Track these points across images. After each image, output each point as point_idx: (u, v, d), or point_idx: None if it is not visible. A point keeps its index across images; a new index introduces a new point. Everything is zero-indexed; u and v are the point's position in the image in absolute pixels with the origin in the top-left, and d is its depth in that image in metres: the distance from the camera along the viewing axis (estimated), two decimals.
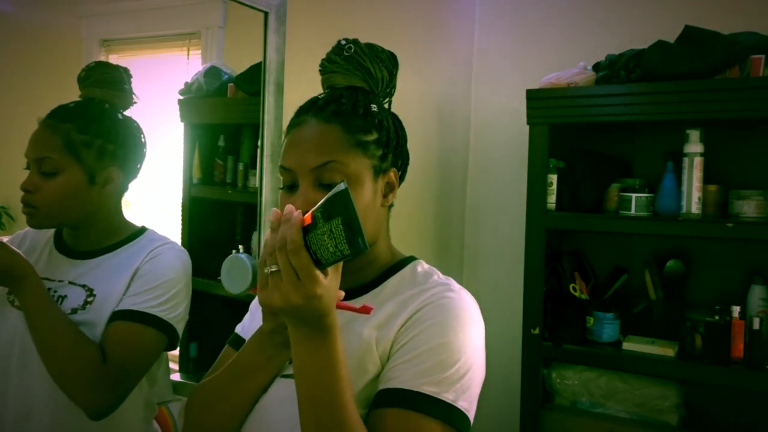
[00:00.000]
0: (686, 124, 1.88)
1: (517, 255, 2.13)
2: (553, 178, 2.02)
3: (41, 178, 1.17)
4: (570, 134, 2.18)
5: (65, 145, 1.17)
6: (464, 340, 0.86)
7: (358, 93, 0.92)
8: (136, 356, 1.14)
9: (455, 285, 0.92)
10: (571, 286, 2.10)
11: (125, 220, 1.29)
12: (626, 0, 2.25)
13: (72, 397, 1.09)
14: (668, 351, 1.87)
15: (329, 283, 0.72)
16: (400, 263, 0.96)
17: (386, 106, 0.99)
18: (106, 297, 1.16)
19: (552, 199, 2.02)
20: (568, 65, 2.05)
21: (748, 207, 1.83)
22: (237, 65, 1.66)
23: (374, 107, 0.91)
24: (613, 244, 2.22)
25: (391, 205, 0.97)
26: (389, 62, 0.97)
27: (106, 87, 1.26)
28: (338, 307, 0.77)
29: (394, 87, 0.99)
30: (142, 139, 1.30)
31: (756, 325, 1.79)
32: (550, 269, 2.11)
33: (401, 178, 0.99)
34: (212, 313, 1.54)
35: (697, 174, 1.84)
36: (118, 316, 1.15)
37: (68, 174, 1.17)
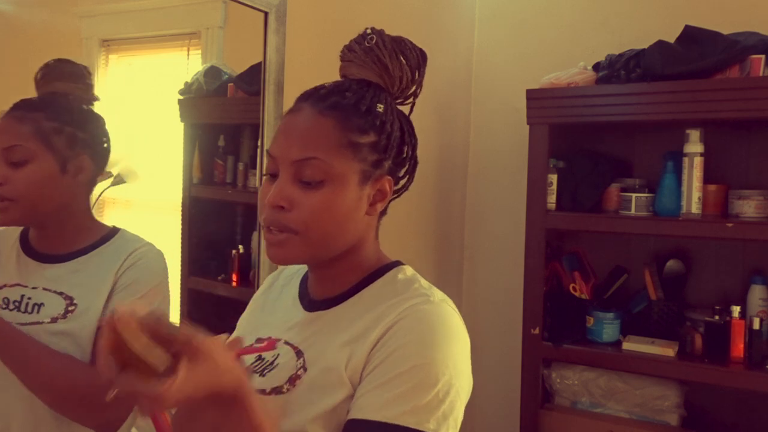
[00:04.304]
0: (686, 124, 1.88)
1: (517, 255, 2.13)
2: (553, 178, 2.02)
3: (10, 168, 1.09)
4: (570, 134, 2.18)
5: (35, 132, 1.11)
6: (443, 358, 0.76)
7: (368, 89, 0.85)
8: None
9: (436, 295, 0.83)
10: (571, 286, 2.10)
11: (96, 220, 1.24)
12: (626, 0, 2.25)
13: (85, 424, 1.06)
14: (668, 351, 1.87)
15: (179, 377, 0.58)
16: (382, 269, 0.88)
17: (409, 107, 0.91)
18: (89, 306, 1.11)
19: (552, 199, 2.02)
20: (568, 65, 2.05)
21: (748, 207, 1.83)
22: (237, 65, 1.66)
23: (380, 107, 0.83)
24: (613, 244, 2.22)
25: (384, 212, 0.90)
26: (416, 61, 0.89)
27: (69, 80, 1.23)
28: (241, 353, 0.75)
29: (419, 87, 0.91)
30: (108, 133, 1.25)
31: (756, 325, 1.79)
32: (550, 269, 2.11)
33: (402, 188, 0.92)
34: (212, 313, 1.54)
35: (697, 174, 1.84)
36: None
37: (40, 161, 1.10)
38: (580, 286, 2.09)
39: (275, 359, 0.84)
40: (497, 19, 2.48)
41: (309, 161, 0.79)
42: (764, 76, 1.78)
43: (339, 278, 0.86)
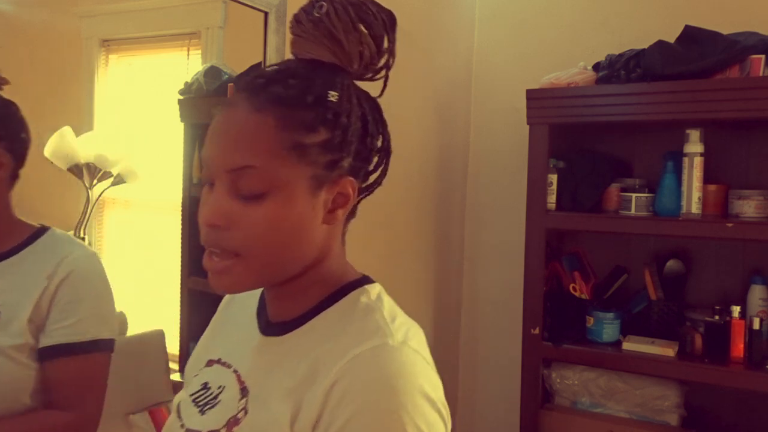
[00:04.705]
0: (686, 124, 1.88)
1: (517, 255, 2.13)
2: (553, 178, 2.02)
3: None
4: (570, 134, 2.18)
5: None
6: (410, 419, 0.62)
7: (318, 72, 0.69)
8: (97, 391, 1.09)
9: (398, 332, 0.68)
10: (571, 286, 2.10)
11: (19, 219, 1.15)
12: (626, 0, 2.25)
13: None
14: (668, 351, 1.87)
15: None
16: (345, 288, 0.74)
17: (380, 88, 0.75)
18: (15, 315, 1.04)
19: (552, 199, 2.02)
20: (568, 65, 2.05)
21: (748, 207, 1.83)
22: (237, 65, 1.66)
23: (333, 95, 0.68)
24: (613, 244, 2.22)
25: (352, 214, 0.77)
26: (381, 27, 0.74)
27: None
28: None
29: (390, 57, 0.75)
30: (25, 121, 1.15)
31: (756, 325, 1.79)
32: (550, 269, 2.11)
33: (374, 184, 0.78)
34: (212, 313, 1.54)
35: (697, 174, 1.84)
36: (61, 351, 1.05)
37: None
38: (580, 286, 2.09)
39: (220, 392, 0.74)
40: (497, 19, 2.48)
41: (245, 171, 0.66)
42: (764, 76, 1.78)
43: (297, 297, 0.74)
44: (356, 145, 0.70)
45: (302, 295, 0.74)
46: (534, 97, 2.00)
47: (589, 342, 1.99)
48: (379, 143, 0.75)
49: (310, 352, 0.69)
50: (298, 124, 0.66)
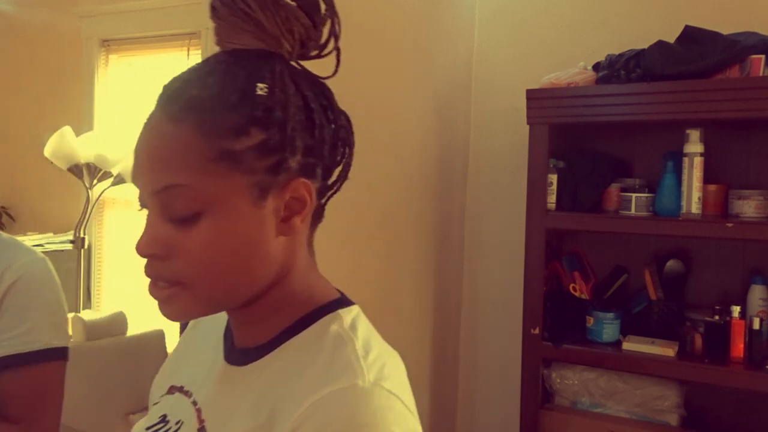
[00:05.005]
0: (686, 124, 1.88)
1: (517, 255, 2.13)
2: (553, 178, 2.02)
3: None
4: (570, 134, 2.19)
5: None
6: None
7: (243, 64, 0.60)
8: (52, 402, 1.06)
9: (370, 370, 0.58)
10: (571, 286, 2.10)
11: None
12: (626, 0, 2.25)
13: None
14: (668, 351, 1.87)
15: None
16: (316, 313, 0.64)
17: (334, 67, 0.65)
18: None
19: (552, 199, 2.02)
20: (568, 65, 2.05)
21: (748, 207, 1.83)
22: None
23: (262, 88, 0.58)
24: (613, 244, 2.22)
25: (318, 218, 0.67)
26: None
27: None
28: None
29: (334, 27, 0.64)
30: None
31: (756, 325, 1.79)
32: (550, 269, 2.11)
33: (339, 180, 0.67)
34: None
35: (697, 174, 1.84)
36: (11, 362, 1.02)
37: None
38: (580, 286, 2.09)
39: (178, 428, 0.67)
40: (497, 19, 2.48)
41: (170, 191, 0.57)
42: (764, 76, 1.78)
43: (261, 322, 0.65)
44: (302, 140, 0.60)
45: (267, 319, 0.65)
46: (534, 97, 2.01)
47: (589, 342, 1.99)
48: (334, 132, 0.64)
49: (270, 391, 0.60)
50: (224, 129, 0.57)
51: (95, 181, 2.57)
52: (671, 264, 2.04)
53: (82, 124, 2.69)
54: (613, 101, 1.91)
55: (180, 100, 0.58)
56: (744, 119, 1.86)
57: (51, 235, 2.73)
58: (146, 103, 0.65)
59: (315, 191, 0.63)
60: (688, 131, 1.86)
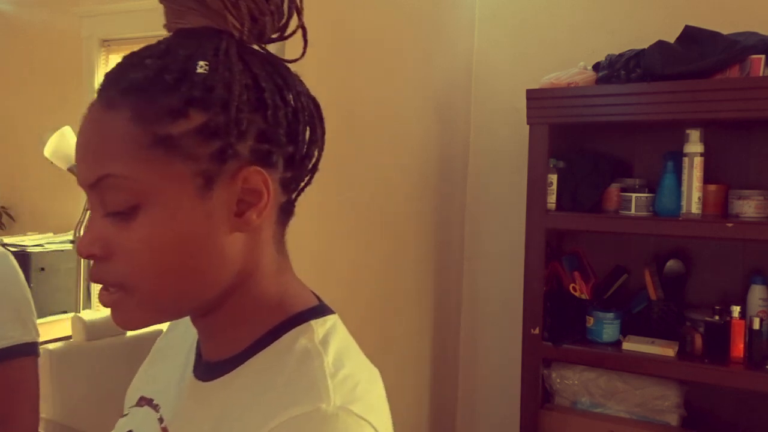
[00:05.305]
0: (686, 124, 1.88)
1: (517, 255, 2.13)
2: (553, 178, 2.02)
3: None
4: (570, 134, 2.19)
5: None
6: None
7: (186, 43, 0.54)
8: (28, 398, 1.04)
9: (341, 388, 0.53)
10: (571, 286, 2.10)
11: None
12: (626, 0, 2.25)
13: None
14: (668, 351, 1.87)
15: None
16: (284, 325, 0.58)
17: (300, 50, 0.60)
18: None
19: (552, 199, 2.02)
20: (568, 65, 2.05)
21: (748, 207, 1.83)
22: None
23: (202, 66, 0.52)
24: (613, 244, 2.22)
25: (288, 213, 0.61)
26: None
27: None
28: None
29: (293, 6, 0.59)
30: None
31: (756, 325, 1.79)
32: (550, 269, 2.11)
33: (311, 170, 0.61)
34: None
35: (697, 174, 1.84)
36: None
37: None
38: (580, 286, 2.09)
39: None
40: (497, 19, 2.49)
41: (104, 182, 0.52)
42: (764, 76, 1.78)
43: (226, 332, 0.59)
44: (252, 123, 0.54)
45: (233, 329, 0.59)
46: (534, 97, 2.01)
47: (589, 342, 1.99)
48: (292, 115, 0.57)
49: (230, 412, 0.55)
50: (160, 112, 0.51)
51: None
52: (671, 264, 2.04)
53: None
54: (613, 101, 1.91)
55: (117, 86, 0.53)
56: (744, 119, 1.86)
57: (51, 235, 2.73)
58: None
59: (275, 182, 0.57)
60: (688, 131, 1.86)
